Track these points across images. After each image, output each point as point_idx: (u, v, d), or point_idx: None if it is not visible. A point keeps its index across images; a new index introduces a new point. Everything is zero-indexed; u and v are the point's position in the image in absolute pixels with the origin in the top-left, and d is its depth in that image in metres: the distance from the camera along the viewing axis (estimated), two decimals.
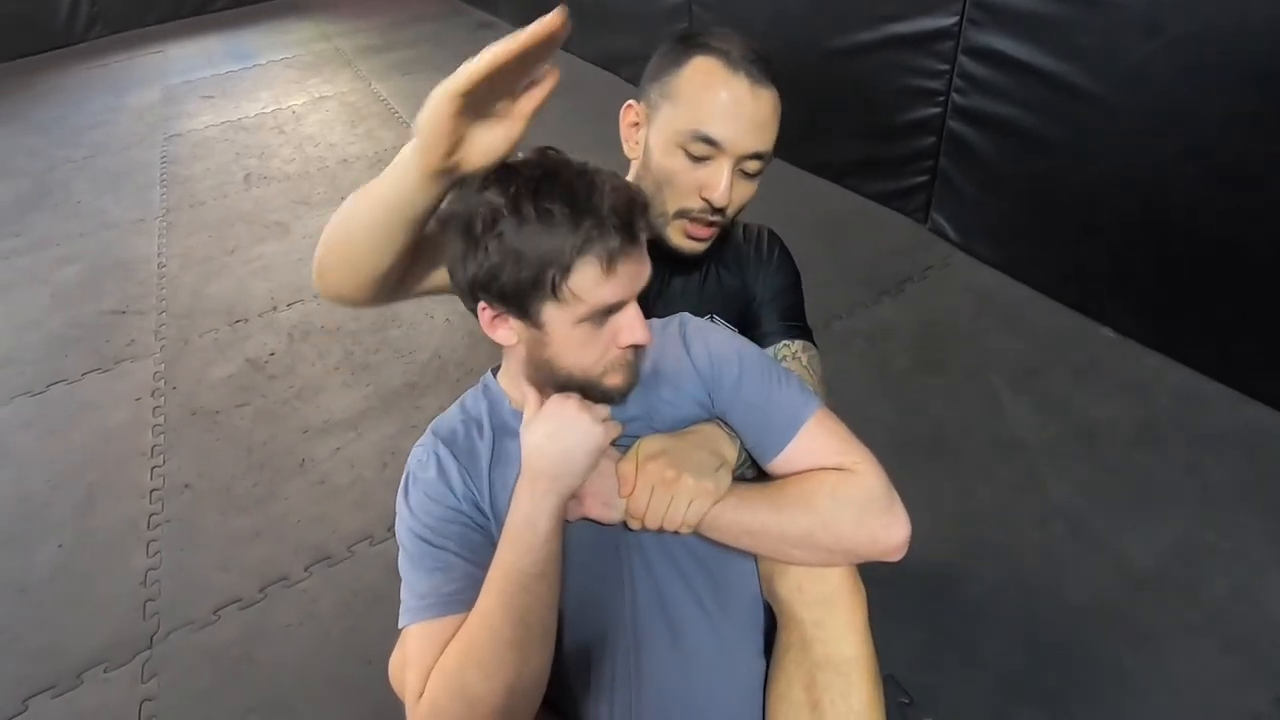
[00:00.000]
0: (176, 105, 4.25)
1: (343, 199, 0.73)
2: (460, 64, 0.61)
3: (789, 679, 0.75)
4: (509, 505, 0.71)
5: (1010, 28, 1.85)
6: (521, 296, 0.66)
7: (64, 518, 1.72)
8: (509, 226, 0.64)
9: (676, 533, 0.73)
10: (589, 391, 0.71)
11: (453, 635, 0.67)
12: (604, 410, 0.71)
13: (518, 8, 4.71)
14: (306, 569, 1.53)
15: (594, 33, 3.91)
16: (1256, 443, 1.55)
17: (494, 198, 0.64)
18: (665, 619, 0.76)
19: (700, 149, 0.83)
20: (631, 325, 0.69)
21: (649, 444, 0.74)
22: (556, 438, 0.68)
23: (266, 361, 2.16)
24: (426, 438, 0.79)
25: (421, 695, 0.66)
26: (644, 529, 0.73)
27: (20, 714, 1.33)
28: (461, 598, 0.69)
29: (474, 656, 0.65)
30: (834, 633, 0.73)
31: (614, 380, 0.71)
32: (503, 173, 0.66)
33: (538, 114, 0.66)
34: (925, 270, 2.19)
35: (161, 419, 1.99)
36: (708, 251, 0.93)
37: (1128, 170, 1.71)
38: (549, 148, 0.69)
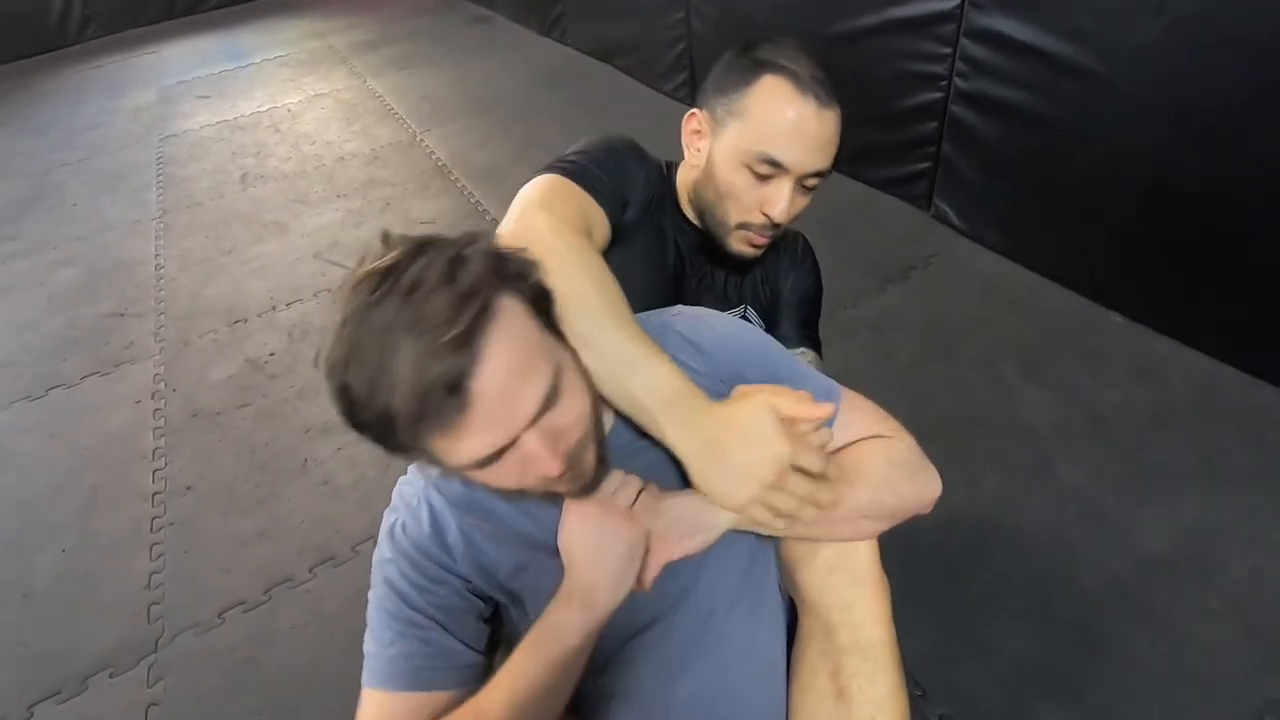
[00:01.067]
0: (172, 106, 4.23)
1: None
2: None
3: (813, 668, 0.74)
4: (509, 572, 0.69)
5: (1012, 9, 1.82)
6: (400, 452, 0.57)
7: (66, 522, 1.71)
8: (345, 386, 0.53)
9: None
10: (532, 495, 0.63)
11: (417, 714, 0.65)
12: (628, 495, 0.67)
13: (513, 0, 4.67)
14: (311, 570, 1.52)
15: (590, 23, 3.88)
16: (1270, 426, 1.53)
17: (332, 338, 0.53)
18: (697, 616, 0.75)
19: (765, 169, 0.85)
20: (533, 460, 0.57)
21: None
22: (591, 549, 0.65)
23: (266, 361, 2.15)
24: (415, 475, 0.73)
25: None
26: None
27: None
28: (430, 675, 0.66)
29: None
30: (861, 617, 0.72)
31: (561, 490, 0.62)
32: (325, 350, 0.53)
33: None
34: (930, 258, 2.16)
35: (162, 421, 1.97)
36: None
37: (1134, 152, 1.69)
38: (379, 270, 0.53)
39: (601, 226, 0.84)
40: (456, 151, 3.20)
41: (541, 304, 0.60)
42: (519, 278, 0.58)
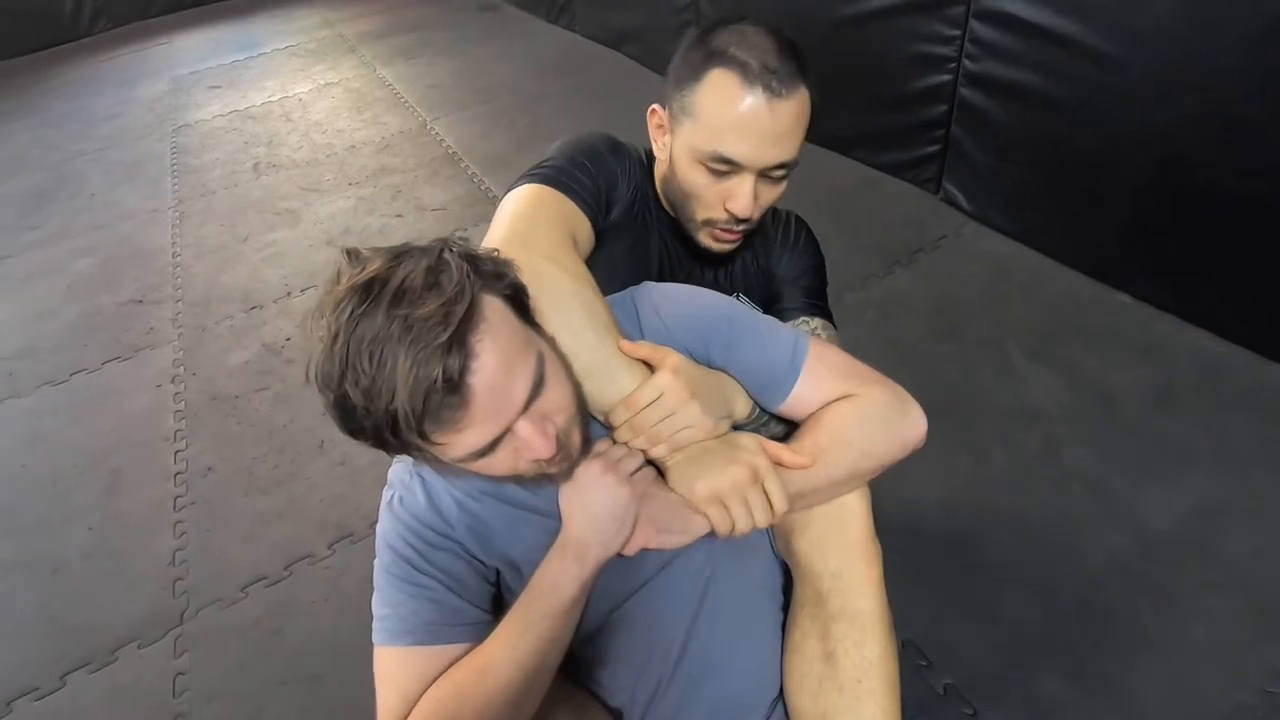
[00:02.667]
0: (184, 96, 4.27)
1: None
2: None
3: (804, 631, 0.77)
4: (505, 535, 0.73)
5: None
6: (394, 452, 0.61)
7: (92, 501, 1.76)
8: (336, 398, 0.57)
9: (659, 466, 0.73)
10: (523, 481, 0.68)
11: (434, 669, 0.69)
12: (631, 464, 0.71)
13: None
14: (330, 546, 1.56)
15: (598, 10, 3.88)
16: (1275, 404, 1.54)
17: (321, 350, 0.57)
18: (683, 577, 0.78)
19: (722, 167, 0.83)
20: (526, 444, 0.61)
21: (678, 358, 0.73)
22: (586, 505, 0.68)
23: (283, 346, 2.19)
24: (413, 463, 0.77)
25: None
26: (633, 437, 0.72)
27: (59, 689, 1.37)
28: (438, 630, 0.71)
29: (473, 704, 0.66)
30: (851, 585, 0.74)
31: (550, 472, 0.67)
32: (320, 322, 0.57)
33: None
34: (938, 240, 2.17)
35: (182, 404, 2.02)
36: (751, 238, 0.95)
37: (1143, 132, 1.69)
38: (364, 283, 0.56)
39: (585, 233, 0.85)
40: (465, 139, 3.22)
41: (518, 299, 0.64)
42: (496, 277, 0.62)
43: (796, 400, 0.76)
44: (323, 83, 4.13)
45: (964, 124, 2.13)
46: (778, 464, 0.71)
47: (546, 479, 0.68)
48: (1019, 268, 2.02)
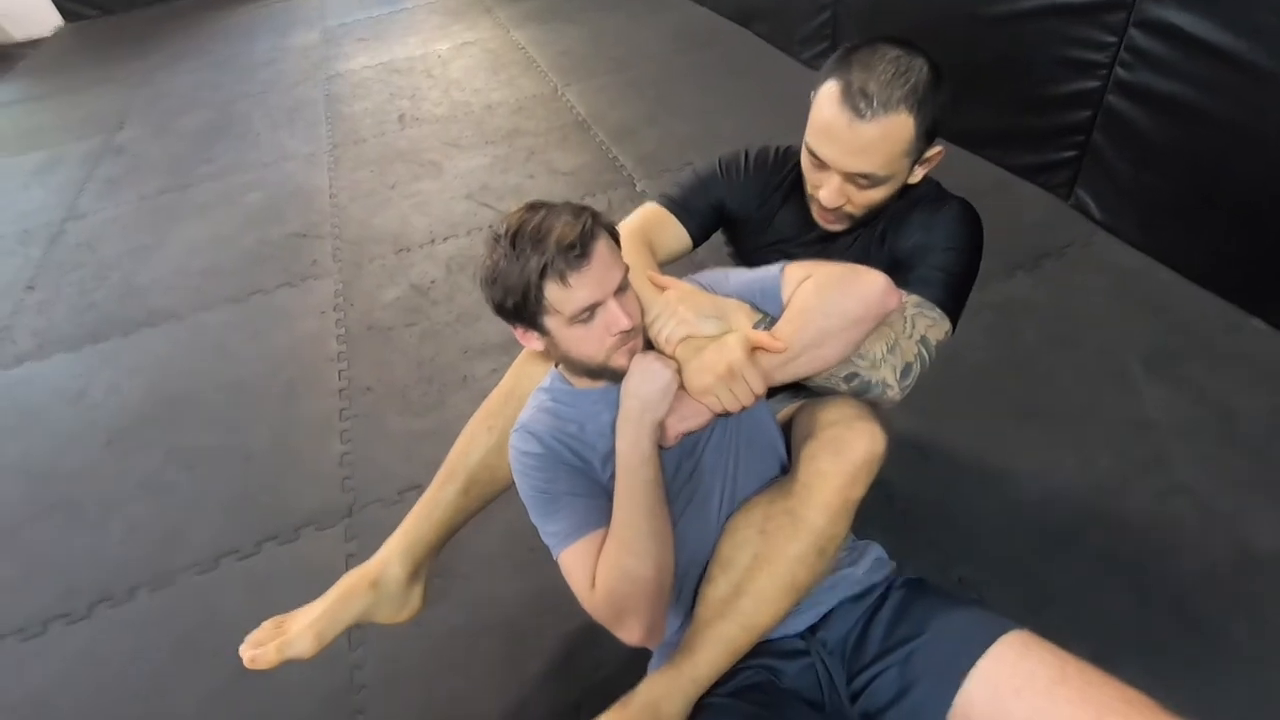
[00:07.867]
0: (334, 46, 4.59)
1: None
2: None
3: (757, 504, 0.97)
4: (604, 443, 0.98)
5: (1188, 1, 1.79)
6: (526, 315, 0.90)
7: (272, 406, 2.04)
8: (498, 272, 0.88)
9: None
10: (604, 374, 0.95)
11: (594, 548, 0.93)
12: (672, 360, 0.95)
13: None
14: None
15: None
16: None
17: (490, 254, 0.89)
18: (716, 488, 1.01)
19: (815, 159, 1.02)
20: (614, 317, 0.89)
21: (682, 284, 1.00)
22: (642, 384, 0.92)
23: (429, 288, 2.42)
24: (519, 426, 1.02)
25: (593, 586, 0.92)
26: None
27: (255, 554, 1.65)
28: (588, 521, 0.94)
29: (628, 548, 0.91)
30: (809, 497, 0.91)
31: (619, 362, 0.92)
32: (493, 235, 0.89)
33: None
34: (1064, 248, 2.17)
35: (343, 330, 2.28)
36: (873, 218, 1.10)
37: None
38: (530, 205, 0.90)
39: (668, 237, 1.14)
40: (595, 107, 3.36)
41: (615, 238, 0.92)
42: (603, 219, 0.91)
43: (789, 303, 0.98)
44: (460, 41, 4.35)
45: (1107, 131, 2.12)
46: (758, 347, 0.92)
47: (613, 378, 0.94)
48: (1147, 282, 2.02)
